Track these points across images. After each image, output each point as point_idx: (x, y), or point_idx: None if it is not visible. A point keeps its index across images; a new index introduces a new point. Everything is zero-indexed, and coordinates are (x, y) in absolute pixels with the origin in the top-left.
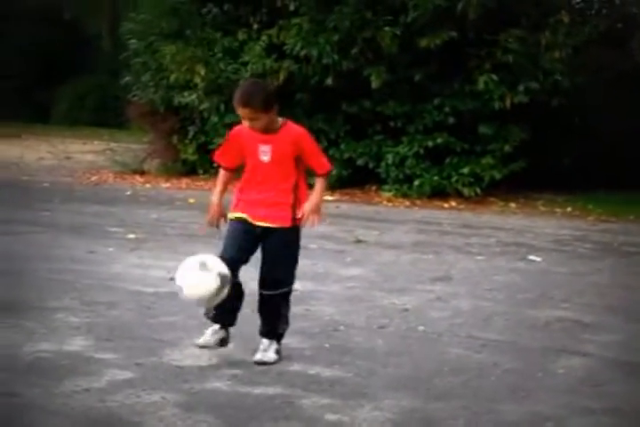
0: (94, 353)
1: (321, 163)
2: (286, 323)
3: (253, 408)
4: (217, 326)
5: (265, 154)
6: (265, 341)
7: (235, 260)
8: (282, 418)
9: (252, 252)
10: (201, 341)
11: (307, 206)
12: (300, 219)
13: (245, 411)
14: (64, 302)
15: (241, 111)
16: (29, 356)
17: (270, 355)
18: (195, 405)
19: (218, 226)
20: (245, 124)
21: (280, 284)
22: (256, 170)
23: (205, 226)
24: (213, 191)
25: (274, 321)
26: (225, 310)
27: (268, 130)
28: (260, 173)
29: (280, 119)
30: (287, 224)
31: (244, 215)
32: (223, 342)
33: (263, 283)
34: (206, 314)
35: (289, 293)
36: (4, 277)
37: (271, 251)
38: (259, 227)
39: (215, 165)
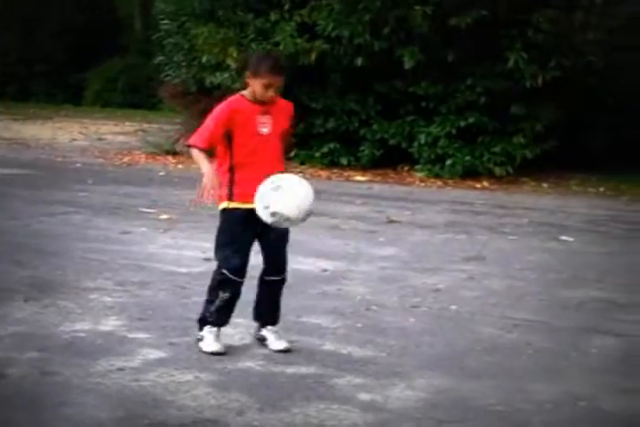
0: (128, 333)
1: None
2: None
3: (286, 388)
4: (215, 329)
5: (264, 126)
6: (271, 328)
7: (241, 269)
8: (315, 397)
9: (252, 244)
10: (215, 348)
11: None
12: None
13: (278, 390)
14: (98, 282)
15: (273, 80)
16: (66, 335)
17: (285, 341)
18: (228, 384)
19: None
20: (267, 93)
21: (285, 267)
22: (252, 144)
23: (198, 200)
24: (201, 162)
25: (278, 306)
26: (227, 312)
27: (270, 100)
28: (256, 146)
29: None
30: None
31: (244, 206)
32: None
33: (271, 269)
34: (205, 319)
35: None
36: (40, 258)
37: (274, 234)
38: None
39: None
